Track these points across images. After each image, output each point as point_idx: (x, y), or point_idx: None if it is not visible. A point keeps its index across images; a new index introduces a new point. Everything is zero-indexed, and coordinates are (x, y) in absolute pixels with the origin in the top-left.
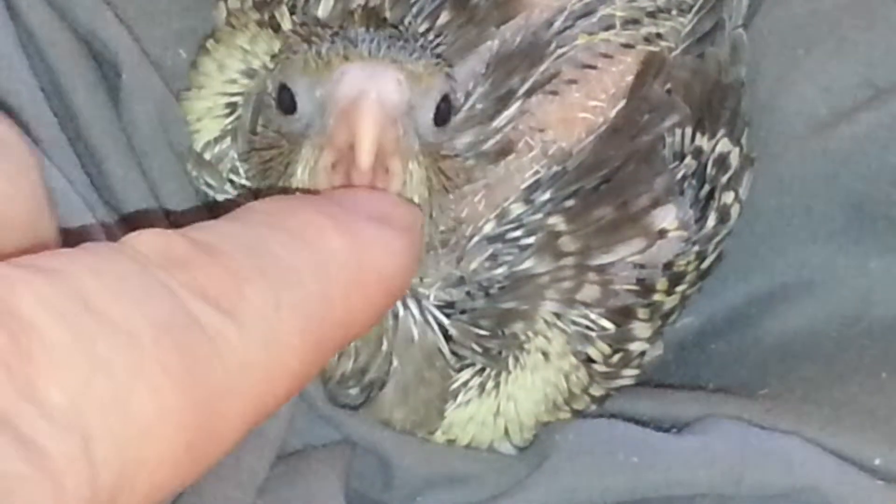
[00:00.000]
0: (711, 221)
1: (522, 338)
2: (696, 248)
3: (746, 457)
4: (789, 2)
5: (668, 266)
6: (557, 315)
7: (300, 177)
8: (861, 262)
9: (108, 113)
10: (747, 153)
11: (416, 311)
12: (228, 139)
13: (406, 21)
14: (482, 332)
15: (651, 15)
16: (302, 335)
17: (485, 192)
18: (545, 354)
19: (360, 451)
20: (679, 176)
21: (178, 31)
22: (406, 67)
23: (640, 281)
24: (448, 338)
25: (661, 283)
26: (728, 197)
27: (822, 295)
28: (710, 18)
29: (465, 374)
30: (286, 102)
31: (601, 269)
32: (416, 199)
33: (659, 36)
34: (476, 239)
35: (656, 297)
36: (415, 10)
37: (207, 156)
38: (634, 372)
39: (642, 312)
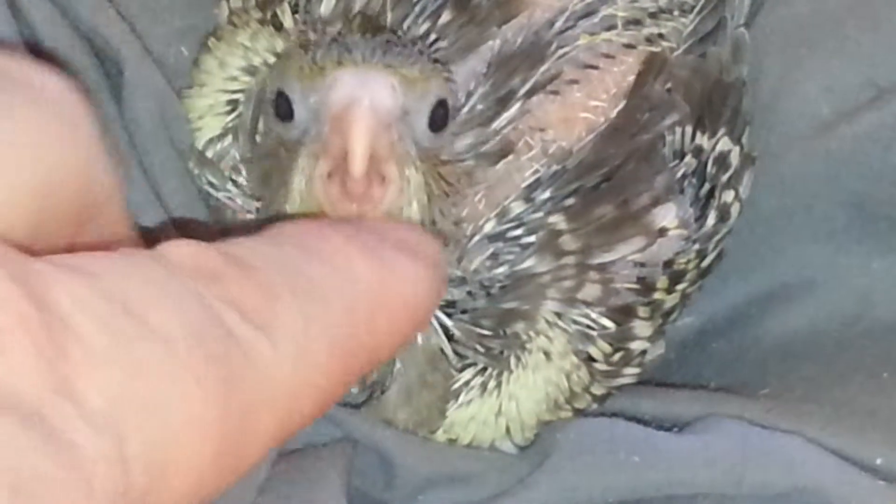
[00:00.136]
0: (712, 220)
1: (524, 337)
2: (697, 246)
3: (747, 456)
4: (792, 1)
5: (668, 264)
6: (558, 314)
7: (297, 186)
8: (862, 262)
9: (110, 110)
10: (748, 152)
11: None
12: (230, 137)
13: (407, 21)
14: (484, 332)
15: (653, 15)
16: (329, 355)
17: (485, 192)
18: (546, 354)
19: (362, 449)
20: (679, 174)
21: (181, 29)
22: (400, 72)
23: (640, 279)
24: (450, 338)
25: (662, 282)
26: (728, 196)
27: (823, 295)
28: (713, 18)
29: (467, 374)
30: (283, 109)
31: (602, 268)
32: (414, 205)
33: (661, 36)
34: (476, 238)
35: (657, 295)
36: (417, 9)
37: (209, 154)
38: (636, 371)
39: (643, 311)
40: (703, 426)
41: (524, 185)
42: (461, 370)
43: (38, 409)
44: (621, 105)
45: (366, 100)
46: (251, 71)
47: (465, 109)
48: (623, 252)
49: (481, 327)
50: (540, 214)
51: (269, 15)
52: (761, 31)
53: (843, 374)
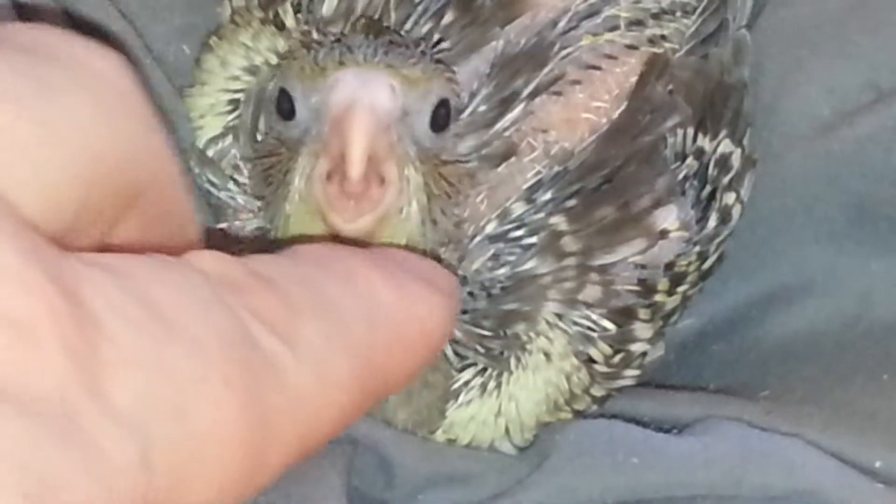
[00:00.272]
0: (713, 222)
1: (524, 338)
2: (698, 248)
3: (747, 458)
4: (794, 3)
5: (669, 266)
6: (559, 315)
7: (296, 185)
8: (863, 264)
9: None
10: (749, 154)
11: None
12: (231, 136)
13: (409, 22)
14: (484, 333)
15: (655, 17)
16: (350, 375)
17: (487, 193)
18: (547, 355)
19: (362, 449)
20: (681, 176)
21: (181, 27)
22: (401, 73)
23: (641, 281)
24: (450, 339)
25: (663, 284)
26: (730, 198)
27: (823, 296)
28: (715, 20)
29: (467, 374)
30: (285, 108)
31: (603, 270)
32: (414, 205)
33: (663, 37)
34: (478, 239)
35: (658, 297)
36: (419, 9)
37: (210, 153)
38: (636, 372)
39: (643, 313)
40: (702, 428)
41: (525, 186)
42: (461, 370)
43: (63, 406)
44: (623, 106)
45: (365, 100)
46: (253, 71)
47: (468, 111)
48: (624, 254)
49: (482, 328)
50: (541, 215)
51: (271, 14)
52: (762, 33)
53: (844, 375)
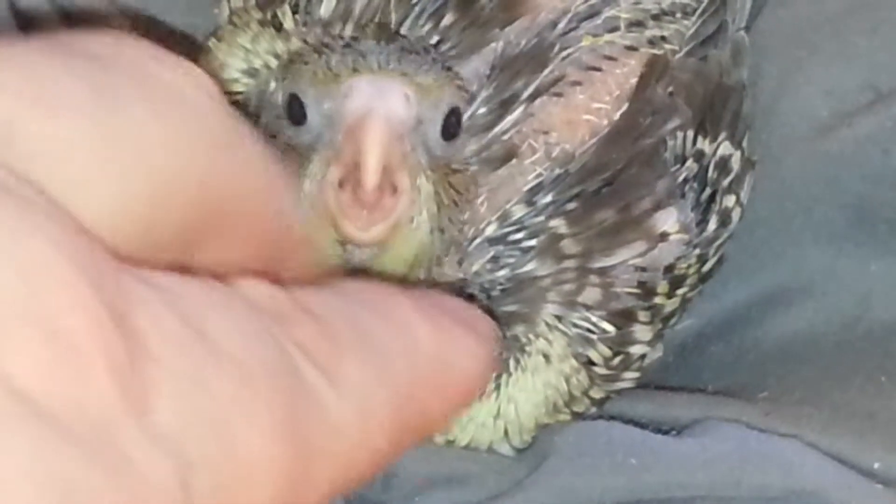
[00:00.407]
0: (713, 225)
1: (523, 340)
2: (697, 251)
3: (745, 459)
4: (793, 4)
5: (669, 269)
6: (558, 317)
7: (308, 190)
8: (862, 265)
9: None
10: (748, 156)
11: None
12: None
13: (408, 22)
14: None
15: (655, 17)
16: (389, 415)
17: (487, 195)
18: (546, 357)
19: None
20: (681, 179)
21: (182, 28)
22: (415, 81)
23: (641, 284)
24: None
25: (662, 286)
26: (729, 200)
27: (822, 297)
28: (714, 21)
29: None
30: (296, 113)
31: (602, 272)
32: (425, 214)
33: (663, 39)
34: (478, 241)
35: (657, 299)
36: (417, 10)
37: None
38: (635, 375)
39: (643, 315)
40: (701, 429)
41: (526, 188)
42: None
43: (102, 423)
44: (624, 108)
45: (381, 110)
46: (252, 73)
47: (468, 113)
48: (624, 256)
49: None
50: (541, 218)
51: (269, 16)
52: (761, 34)
53: (843, 377)
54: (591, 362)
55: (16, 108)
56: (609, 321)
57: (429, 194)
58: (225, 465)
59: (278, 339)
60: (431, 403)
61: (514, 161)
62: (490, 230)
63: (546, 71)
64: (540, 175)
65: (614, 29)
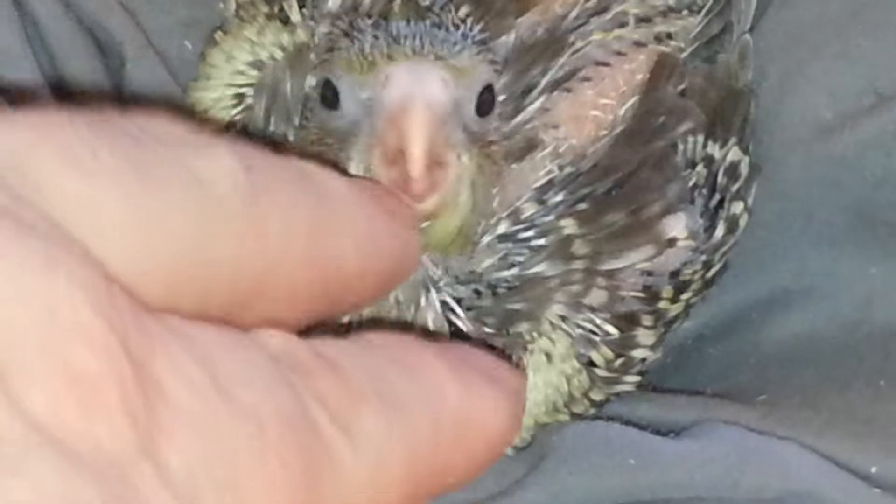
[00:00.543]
0: (720, 231)
1: (527, 338)
2: (704, 257)
3: (743, 460)
4: (796, 6)
5: (674, 274)
6: (563, 318)
7: (354, 172)
8: (862, 268)
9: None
10: (755, 162)
11: (435, 302)
12: (235, 130)
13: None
14: (487, 331)
15: (663, 14)
16: (406, 470)
17: (498, 190)
18: (548, 356)
19: None
20: (690, 184)
21: (184, 22)
22: (450, 64)
23: (646, 288)
24: (454, 333)
25: (667, 291)
26: (737, 207)
27: (822, 300)
28: (719, 22)
29: None
30: (330, 98)
31: (610, 275)
32: (468, 188)
33: (669, 36)
34: (488, 238)
35: (661, 304)
36: (428, 2)
37: None
38: (636, 378)
39: (647, 319)
40: (699, 430)
41: (536, 186)
42: None
43: (116, 465)
44: (630, 103)
45: (420, 97)
46: (258, 65)
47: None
48: (632, 260)
49: (485, 325)
50: (551, 217)
51: (276, 9)
52: (763, 36)
53: (842, 381)
54: (592, 364)
55: (53, 167)
56: (613, 324)
57: (470, 169)
58: None
59: (296, 390)
60: (453, 460)
61: (535, 152)
62: (501, 228)
63: (561, 61)
64: (551, 172)
65: (623, 24)
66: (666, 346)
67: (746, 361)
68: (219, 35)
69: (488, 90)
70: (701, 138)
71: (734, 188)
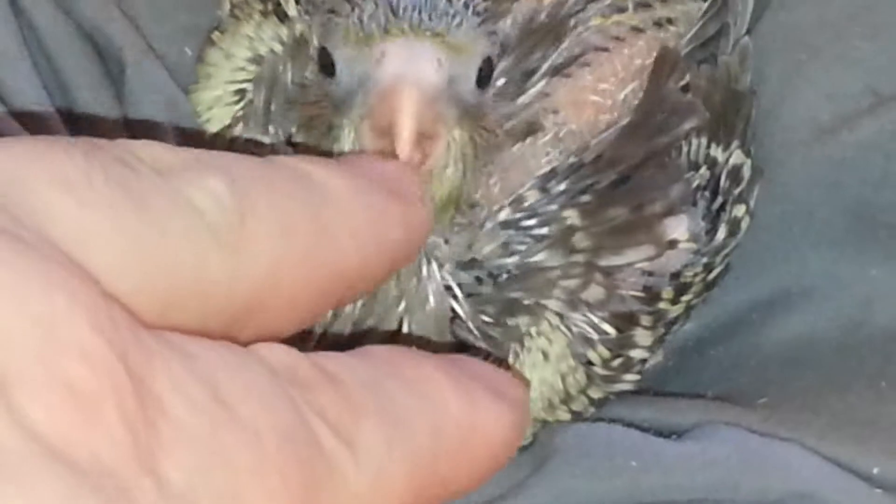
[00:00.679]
0: (722, 234)
1: (524, 332)
2: (705, 260)
3: (745, 462)
4: (794, 8)
5: (675, 276)
6: (560, 316)
7: (344, 142)
8: (863, 270)
9: (113, 110)
10: (757, 165)
11: (436, 275)
12: (240, 126)
13: None
14: (485, 319)
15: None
16: (407, 483)
17: (499, 175)
18: (545, 354)
19: None
20: (693, 186)
21: (185, 28)
22: (447, 41)
23: (646, 288)
24: (451, 317)
25: (667, 293)
26: (739, 210)
27: (823, 302)
28: (715, 23)
29: None
30: (326, 65)
31: (608, 272)
32: (459, 160)
33: (669, 21)
34: (490, 225)
35: (661, 305)
36: None
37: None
38: (635, 378)
39: (646, 320)
40: (700, 432)
41: (539, 173)
42: None
43: (116, 477)
44: (636, 99)
45: (413, 77)
46: (257, 60)
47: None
48: (632, 258)
49: (484, 313)
50: (554, 207)
51: (270, 6)
52: (762, 38)
53: (843, 382)
54: (589, 362)
55: (50, 196)
56: (611, 323)
57: (463, 141)
58: None
59: (296, 404)
60: (455, 472)
61: (532, 137)
62: (503, 214)
63: (562, 46)
64: (553, 160)
65: (622, 10)
66: (667, 348)
67: (747, 363)
68: (216, 35)
69: (487, 63)
70: (704, 140)
71: (736, 191)
